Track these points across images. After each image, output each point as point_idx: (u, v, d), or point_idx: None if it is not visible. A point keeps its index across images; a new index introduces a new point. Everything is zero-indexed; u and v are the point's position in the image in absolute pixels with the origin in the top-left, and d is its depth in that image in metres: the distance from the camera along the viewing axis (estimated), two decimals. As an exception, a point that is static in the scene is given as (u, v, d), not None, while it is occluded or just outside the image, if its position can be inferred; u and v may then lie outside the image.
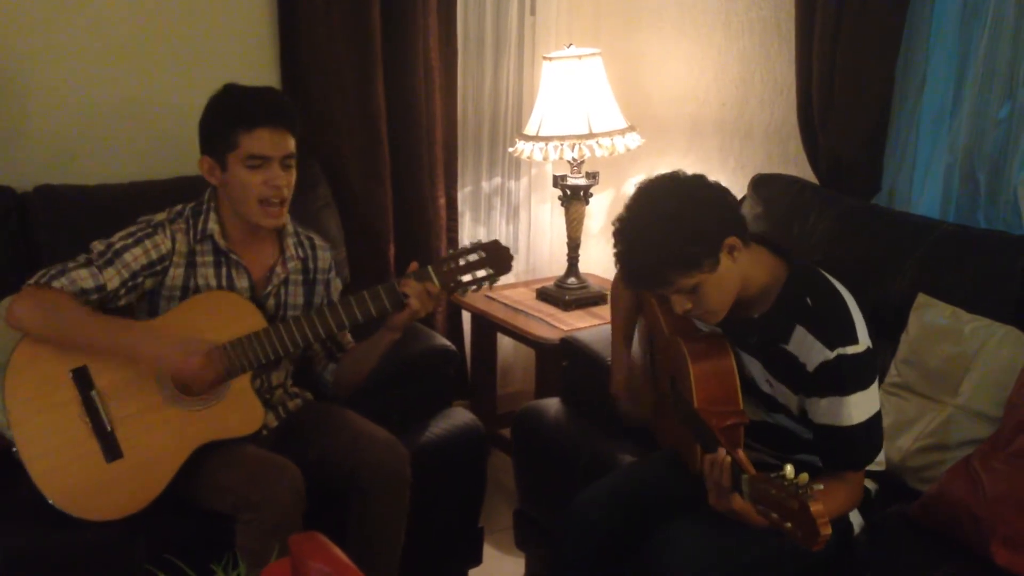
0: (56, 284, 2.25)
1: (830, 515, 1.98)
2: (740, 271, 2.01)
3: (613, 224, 2.03)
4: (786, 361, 2.03)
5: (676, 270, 1.94)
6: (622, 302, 2.49)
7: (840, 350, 1.95)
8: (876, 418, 2.01)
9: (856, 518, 2.14)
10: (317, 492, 2.28)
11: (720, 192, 2.02)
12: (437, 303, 2.38)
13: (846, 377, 1.96)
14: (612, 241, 2.03)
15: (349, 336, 2.58)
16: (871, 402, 1.99)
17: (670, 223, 1.93)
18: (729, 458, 1.88)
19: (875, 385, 2.00)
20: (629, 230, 1.99)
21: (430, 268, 2.37)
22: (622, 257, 2.01)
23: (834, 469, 2.03)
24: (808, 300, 2.02)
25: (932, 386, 2.37)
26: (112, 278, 2.30)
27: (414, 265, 2.38)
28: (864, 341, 1.98)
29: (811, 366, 1.98)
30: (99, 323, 2.27)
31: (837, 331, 1.97)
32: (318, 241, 2.59)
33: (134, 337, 2.29)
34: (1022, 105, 2.60)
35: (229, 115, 2.34)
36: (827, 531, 1.62)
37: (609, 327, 2.56)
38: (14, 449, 2.25)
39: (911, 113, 2.86)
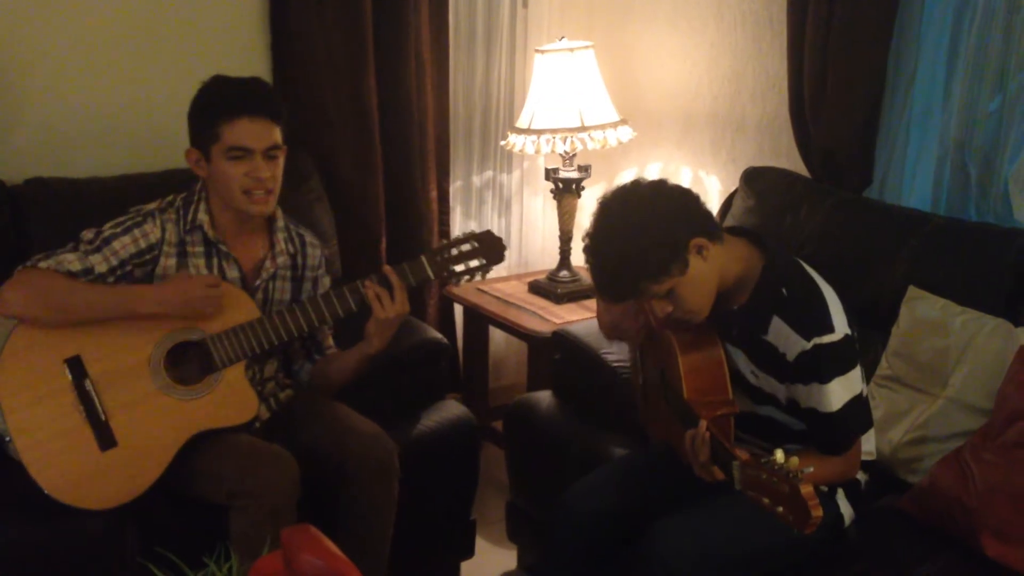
0: (43, 265, 2.26)
1: (825, 480, 2.02)
2: (714, 268, 2.02)
3: (583, 240, 2.06)
4: (768, 352, 2.04)
5: (645, 279, 1.96)
6: None
7: (816, 340, 1.96)
8: (857, 400, 2.03)
9: (847, 510, 2.15)
10: (307, 484, 2.28)
11: (680, 195, 2.03)
12: (401, 309, 2.35)
13: (823, 365, 1.98)
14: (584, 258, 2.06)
15: (331, 340, 2.58)
16: (852, 387, 2.01)
17: (633, 235, 1.95)
18: (708, 432, 1.91)
19: (856, 370, 2.02)
20: (595, 246, 2.02)
21: (423, 258, 2.37)
22: (592, 272, 2.04)
23: (822, 451, 2.06)
24: (783, 291, 2.03)
25: (923, 378, 2.38)
26: (100, 263, 2.30)
27: (387, 268, 2.36)
28: (841, 329, 1.99)
29: (790, 356, 2.00)
30: (92, 288, 2.28)
31: (812, 321, 1.99)
32: (309, 238, 2.58)
33: (132, 291, 2.29)
34: (1013, 98, 2.60)
35: (211, 106, 2.34)
36: (818, 513, 1.63)
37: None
38: (8, 439, 2.25)
39: (902, 106, 2.86)
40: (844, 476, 2.10)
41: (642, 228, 1.95)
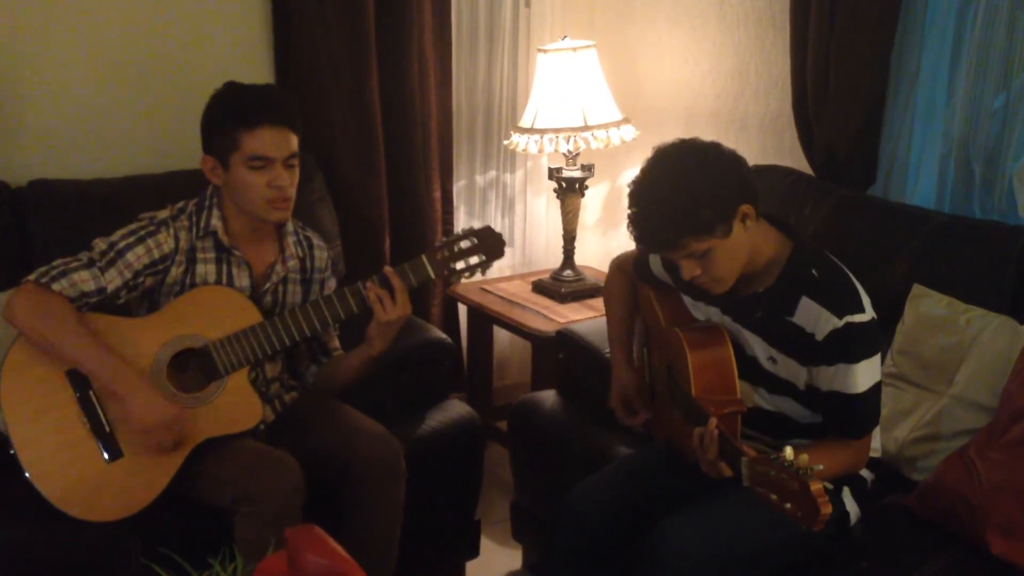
0: (56, 287, 2.23)
1: (834, 473, 2.02)
2: (750, 241, 2.02)
3: (629, 186, 2.04)
4: (792, 334, 2.04)
5: (690, 234, 1.94)
6: (616, 304, 2.49)
7: (849, 318, 1.97)
8: (878, 387, 2.04)
9: (853, 508, 2.14)
10: (312, 485, 2.28)
11: (736, 160, 2.03)
12: (402, 311, 2.35)
13: (855, 344, 1.98)
14: (628, 201, 2.03)
15: (337, 342, 2.57)
16: (875, 372, 2.02)
17: (687, 186, 1.94)
18: (717, 431, 1.91)
19: (879, 356, 2.03)
20: (645, 192, 2.00)
21: (423, 257, 2.37)
22: (637, 218, 2.01)
23: (839, 435, 2.06)
24: (814, 272, 2.04)
25: (928, 376, 2.38)
26: (113, 279, 2.28)
27: (388, 270, 2.35)
28: (869, 311, 2.01)
29: (820, 335, 1.99)
30: (84, 345, 2.22)
31: (845, 300, 1.99)
32: (316, 241, 2.58)
33: (112, 370, 2.23)
34: (1017, 95, 2.60)
35: (230, 114, 2.32)
36: (827, 510, 1.63)
37: (604, 320, 2.55)
38: (12, 452, 2.24)
39: (905, 103, 2.86)
40: (852, 468, 2.10)
41: (698, 183, 1.94)
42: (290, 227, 2.50)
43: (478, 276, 2.46)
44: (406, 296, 2.35)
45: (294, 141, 2.35)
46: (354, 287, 2.35)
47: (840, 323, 1.97)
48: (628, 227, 2.04)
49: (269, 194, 2.32)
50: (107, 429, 2.25)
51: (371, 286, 2.33)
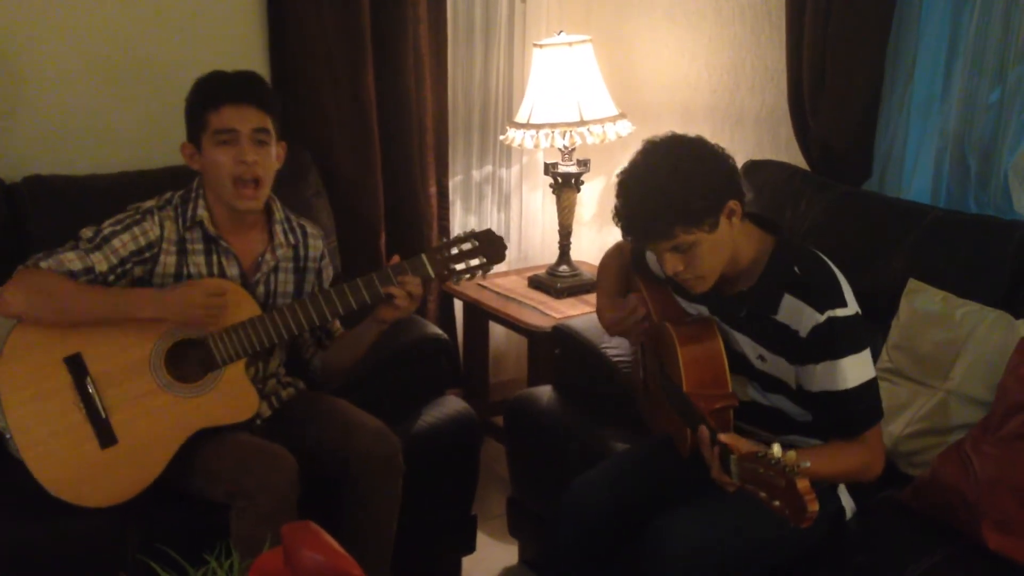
0: (44, 265, 2.26)
1: (847, 475, 2.01)
2: (733, 239, 2.02)
3: (617, 177, 2.04)
4: (778, 332, 2.04)
5: (680, 223, 1.94)
6: (610, 266, 2.48)
7: (830, 312, 1.96)
8: (872, 384, 2.01)
9: (848, 503, 2.15)
10: (310, 481, 2.28)
11: (726, 156, 2.04)
12: (419, 301, 2.38)
13: (838, 339, 1.97)
14: (616, 191, 2.03)
15: (338, 323, 2.57)
16: (865, 367, 2.00)
17: (679, 175, 1.94)
18: (708, 432, 1.91)
19: (868, 352, 2.01)
20: (636, 181, 2.00)
21: (424, 256, 2.37)
22: (626, 207, 2.01)
23: (836, 436, 2.03)
24: (795, 269, 2.03)
25: (923, 371, 2.38)
26: (100, 262, 2.30)
27: (396, 258, 2.37)
28: (853, 306, 2.00)
29: (804, 332, 1.99)
30: (93, 291, 2.28)
31: (826, 295, 1.99)
32: (310, 229, 2.58)
33: (133, 295, 2.30)
34: (1012, 89, 2.60)
35: (199, 98, 2.37)
36: (814, 507, 1.62)
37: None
38: (8, 436, 2.25)
39: (901, 98, 2.86)
40: (867, 469, 2.03)
41: (692, 174, 1.95)
42: (279, 215, 2.51)
43: (477, 278, 2.46)
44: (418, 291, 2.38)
45: (262, 117, 2.35)
46: (354, 284, 2.35)
47: (822, 318, 1.96)
48: (614, 217, 2.04)
49: (235, 170, 2.33)
50: (103, 416, 2.27)
51: (395, 290, 2.34)
